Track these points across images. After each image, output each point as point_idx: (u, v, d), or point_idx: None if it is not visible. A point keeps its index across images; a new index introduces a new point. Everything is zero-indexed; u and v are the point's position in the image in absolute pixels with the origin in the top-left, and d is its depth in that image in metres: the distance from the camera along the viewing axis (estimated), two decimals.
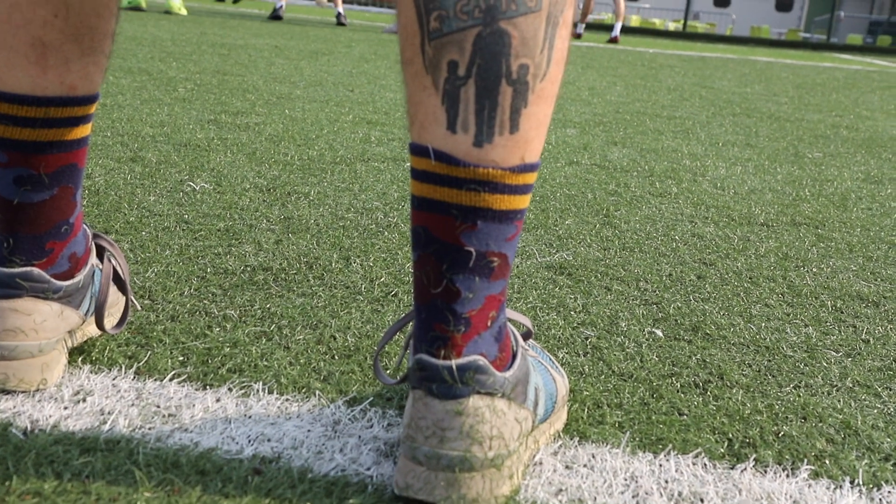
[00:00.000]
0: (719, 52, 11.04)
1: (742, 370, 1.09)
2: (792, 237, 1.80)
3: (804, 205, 2.14)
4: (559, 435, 0.89)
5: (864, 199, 2.28)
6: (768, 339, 1.21)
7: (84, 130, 0.89)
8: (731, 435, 0.92)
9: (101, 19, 0.86)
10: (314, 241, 1.50)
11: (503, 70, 0.72)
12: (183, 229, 1.50)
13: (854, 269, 1.61)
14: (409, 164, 2.32)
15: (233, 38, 5.90)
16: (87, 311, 0.95)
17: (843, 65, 10.58)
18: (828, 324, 1.30)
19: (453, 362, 0.74)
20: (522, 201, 0.76)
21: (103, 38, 0.88)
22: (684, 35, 16.80)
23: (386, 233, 1.60)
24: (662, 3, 27.89)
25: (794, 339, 1.22)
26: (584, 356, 1.10)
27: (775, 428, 0.94)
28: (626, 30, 17.14)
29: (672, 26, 21.41)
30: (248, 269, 1.33)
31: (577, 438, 0.89)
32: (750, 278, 1.49)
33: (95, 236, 0.98)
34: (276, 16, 8.84)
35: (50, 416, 0.84)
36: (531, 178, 0.76)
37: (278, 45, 5.61)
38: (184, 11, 8.06)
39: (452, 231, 0.74)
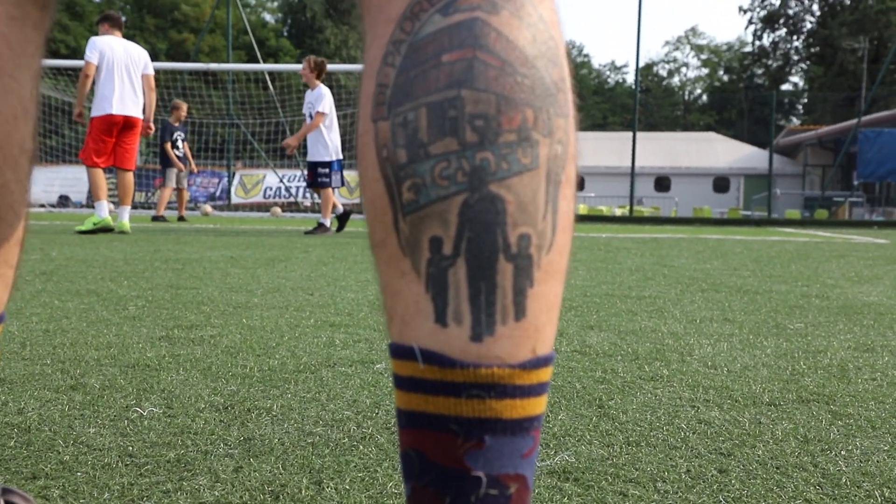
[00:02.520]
0: (669, 233, 11.29)
1: None
2: (805, 416, 1.64)
3: (805, 379, 1.99)
4: None
5: (863, 369, 2.15)
6: None
7: None
8: None
9: (3, 225, 0.71)
10: (279, 465, 1.30)
11: (499, 243, 0.58)
12: (126, 464, 1.30)
13: (886, 448, 1.44)
14: (379, 365, 2.16)
15: (187, 252, 5.83)
16: None
17: (789, 237, 10.87)
18: None
19: None
20: (538, 405, 0.60)
21: (7, 248, 0.72)
22: (632, 219, 17.29)
23: (361, 447, 1.41)
24: (606, 191, 29.00)
25: None
26: None
27: None
28: (577, 217, 17.57)
29: (619, 212, 22.10)
30: None
31: None
32: (777, 468, 1.31)
33: (4, 492, 0.79)
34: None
35: None
36: (546, 374, 0.60)
37: (234, 256, 5.54)
38: (127, 228, 8.07)
39: (454, 452, 0.57)
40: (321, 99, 8.62)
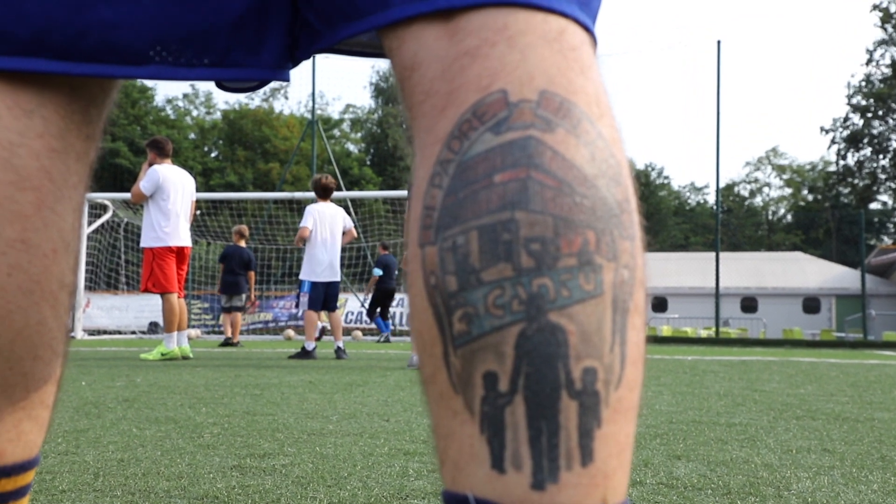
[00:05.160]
0: (758, 356, 10.89)
1: None
2: None
3: None
4: None
5: None
6: None
7: None
8: None
9: (39, 363, 0.67)
10: None
11: (562, 379, 0.52)
12: None
13: None
14: None
15: (267, 377, 5.86)
16: None
17: (888, 361, 10.35)
18: None
19: None
20: None
21: (43, 387, 0.68)
22: (718, 341, 16.79)
23: None
24: (690, 312, 28.41)
25: None
26: None
27: None
28: (660, 339, 17.21)
29: (704, 333, 21.53)
30: None
31: None
32: None
33: None
34: (307, 354, 8.57)
35: None
36: None
37: (312, 381, 5.54)
38: (190, 355, 8.19)
39: None
40: (304, 217, 8.58)
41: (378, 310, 15.37)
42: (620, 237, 0.56)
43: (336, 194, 20.74)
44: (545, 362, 0.52)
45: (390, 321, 16.49)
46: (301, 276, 8.83)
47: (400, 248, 16.81)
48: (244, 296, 12.86)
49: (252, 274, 13.07)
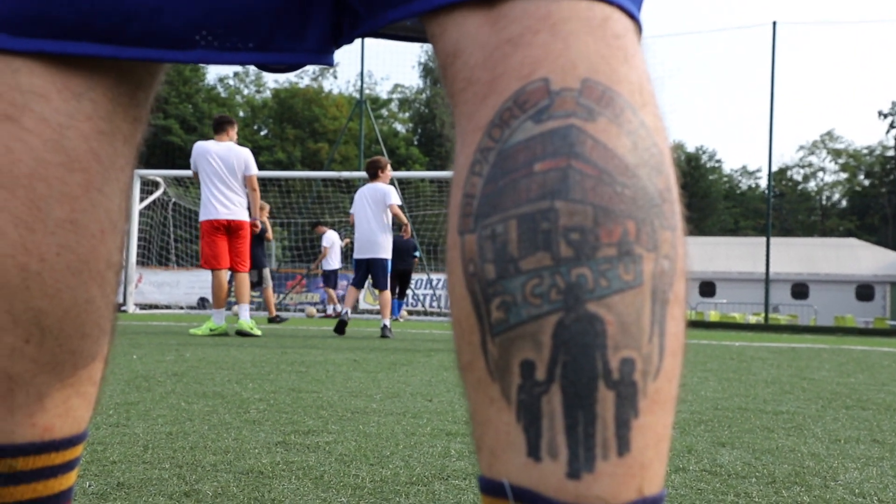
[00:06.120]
0: (808, 343, 10.72)
1: None
2: None
3: None
4: None
5: None
6: None
7: (66, 481, 0.69)
8: None
9: (87, 341, 0.69)
10: None
11: (599, 369, 0.52)
12: None
13: None
14: None
15: (313, 355, 5.92)
16: None
17: None
18: None
19: None
20: None
21: (91, 364, 0.70)
22: (767, 327, 16.54)
23: None
24: (739, 297, 28.03)
25: None
26: None
27: None
28: (707, 324, 17.02)
29: (753, 319, 21.22)
30: None
31: None
32: None
33: None
34: (341, 323, 8.74)
35: None
36: None
37: (357, 359, 5.59)
38: (257, 331, 8.22)
39: None
40: None
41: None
42: (661, 227, 0.55)
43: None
44: (582, 352, 0.52)
45: (403, 301, 16.85)
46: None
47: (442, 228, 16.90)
48: (256, 271, 12.86)
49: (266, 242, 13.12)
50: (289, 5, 0.69)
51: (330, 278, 16.80)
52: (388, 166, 9.03)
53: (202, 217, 8.09)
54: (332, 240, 16.30)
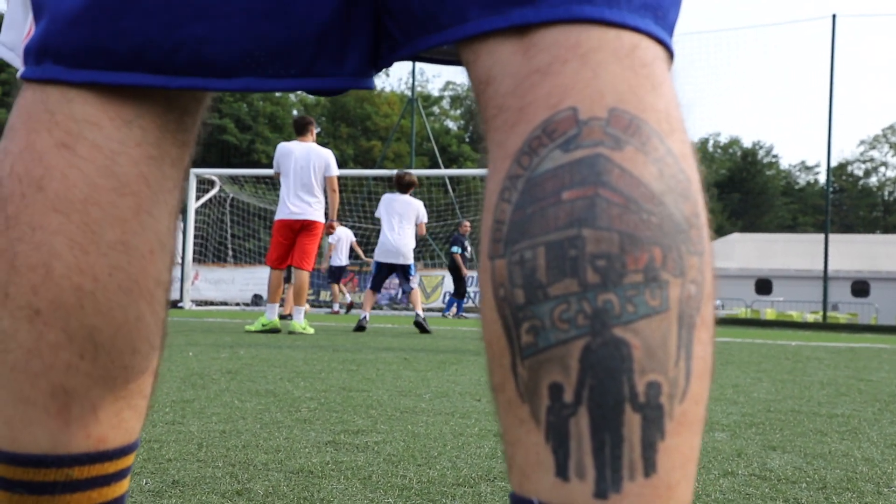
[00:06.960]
0: (868, 342, 10.48)
1: None
2: None
3: None
4: None
5: None
6: None
7: (119, 489, 0.73)
8: None
9: (138, 356, 0.73)
10: None
11: (625, 392, 0.54)
12: None
13: None
14: None
15: (364, 353, 5.99)
16: None
17: None
18: None
19: None
20: None
21: (141, 378, 0.74)
22: (826, 326, 16.21)
23: None
24: (796, 295, 27.49)
25: None
26: None
27: None
28: (763, 323, 16.74)
29: (811, 318, 20.81)
30: None
31: None
32: None
33: None
34: (360, 327, 8.94)
35: None
36: None
37: (407, 357, 5.63)
38: (310, 330, 8.30)
39: None
40: None
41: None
42: (688, 252, 0.56)
43: (434, 171, 20.84)
44: (609, 375, 0.53)
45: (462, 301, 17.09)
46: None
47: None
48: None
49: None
50: (329, 33, 0.71)
51: (335, 274, 16.87)
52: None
53: (276, 216, 8.25)
54: (338, 235, 16.30)
